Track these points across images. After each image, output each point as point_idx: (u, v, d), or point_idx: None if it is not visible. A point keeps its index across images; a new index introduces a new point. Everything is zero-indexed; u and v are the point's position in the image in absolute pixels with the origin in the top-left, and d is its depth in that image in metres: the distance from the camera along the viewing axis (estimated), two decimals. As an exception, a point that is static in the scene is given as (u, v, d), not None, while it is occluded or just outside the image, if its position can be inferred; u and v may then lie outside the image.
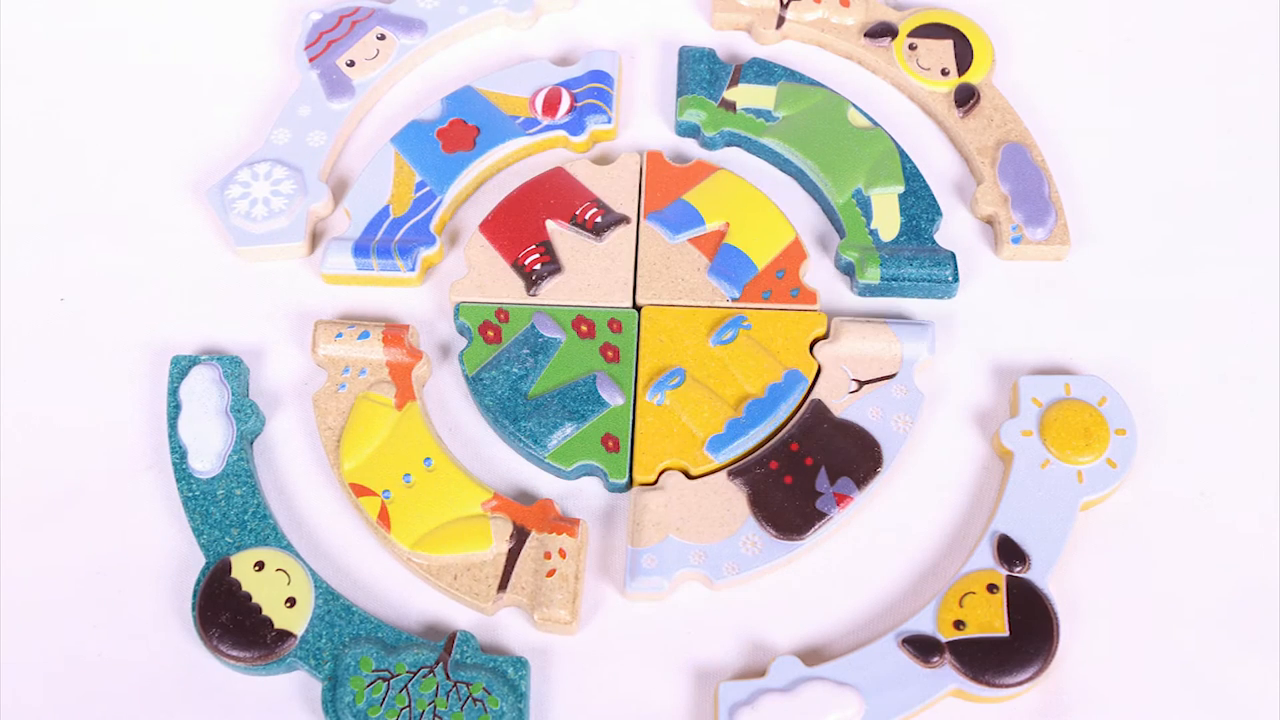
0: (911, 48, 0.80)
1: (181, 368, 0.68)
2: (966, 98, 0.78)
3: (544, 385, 0.70)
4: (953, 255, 0.71)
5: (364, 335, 0.68)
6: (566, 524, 0.64)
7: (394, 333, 0.68)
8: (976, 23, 0.80)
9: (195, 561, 0.65)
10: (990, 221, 0.75)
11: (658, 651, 0.63)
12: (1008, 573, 0.63)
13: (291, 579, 0.64)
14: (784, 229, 0.73)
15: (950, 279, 0.70)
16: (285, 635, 0.63)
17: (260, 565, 0.64)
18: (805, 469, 0.65)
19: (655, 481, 0.68)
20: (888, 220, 0.72)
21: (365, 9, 0.80)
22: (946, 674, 0.62)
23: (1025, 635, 0.62)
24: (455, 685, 0.62)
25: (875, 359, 0.68)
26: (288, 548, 0.64)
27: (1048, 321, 0.71)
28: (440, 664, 0.63)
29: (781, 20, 0.81)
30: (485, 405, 0.69)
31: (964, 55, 0.80)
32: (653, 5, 0.81)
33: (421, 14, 0.80)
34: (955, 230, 0.73)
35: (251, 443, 0.67)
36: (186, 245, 0.73)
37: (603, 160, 0.75)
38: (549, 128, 0.74)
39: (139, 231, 0.74)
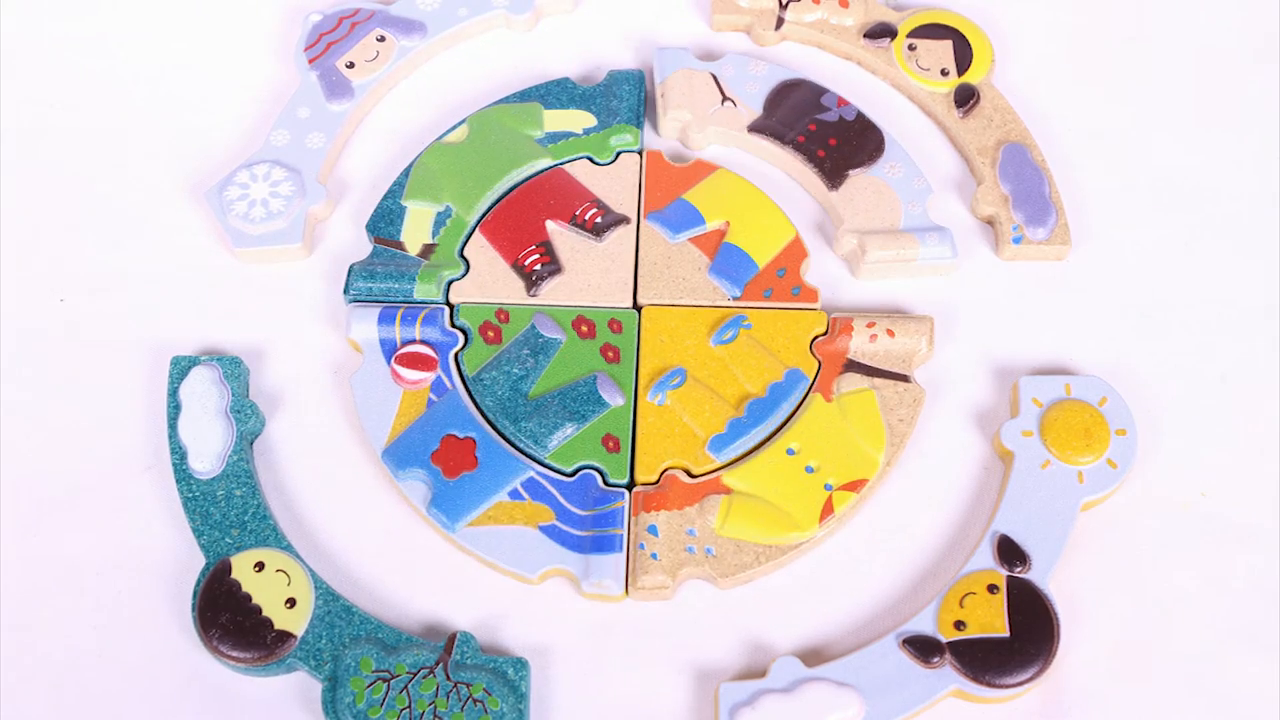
0: (911, 48, 0.80)
1: (181, 368, 0.68)
2: (966, 98, 0.78)
3: (544, 385, 0.70)
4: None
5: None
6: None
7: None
8: (976, 23, 0.80)
9: (195, 562, 0.65)
10: (991, 222, 0.75)
11: (658, 652, 0.63)
12: (1008, 573, 0.64)
13: (291, 580, 0.64)
14: (784, 227, 0.73)
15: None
16: (285, 636, 0.63)
17: (260, 566, 0.64)
18: None
19: (657, 482, 0.68)
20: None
21: (365, 10, 0.80)
22: (947, 674, 0.62)
23: (1026, 636, 0.63)
24: (455, 686, 0.62)
25: None
26: (288, 548, 0.64)
27: (1048, 321, 0.71)
28: (440, 664, 0.63)
29: (780, 21, 0.81)
30: (486, 406, 0.69)
31: (963, 55, 0.80)
32: (652, 7, 0.81)
33: (421, 16, 0.80)
34: (956, 231, 0.73)
35: (251, 443, 0.67)
36: (186, 246, 0.74)
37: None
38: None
39: (139, 232, 0.74)
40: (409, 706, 0.62)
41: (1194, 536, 0.65)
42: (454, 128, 0.75)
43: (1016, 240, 0.73)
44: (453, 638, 0.63)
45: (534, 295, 0.72)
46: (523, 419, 0.69)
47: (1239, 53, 0.80)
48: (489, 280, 0.73)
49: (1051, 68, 0.80)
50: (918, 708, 0.62)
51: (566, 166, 0.75)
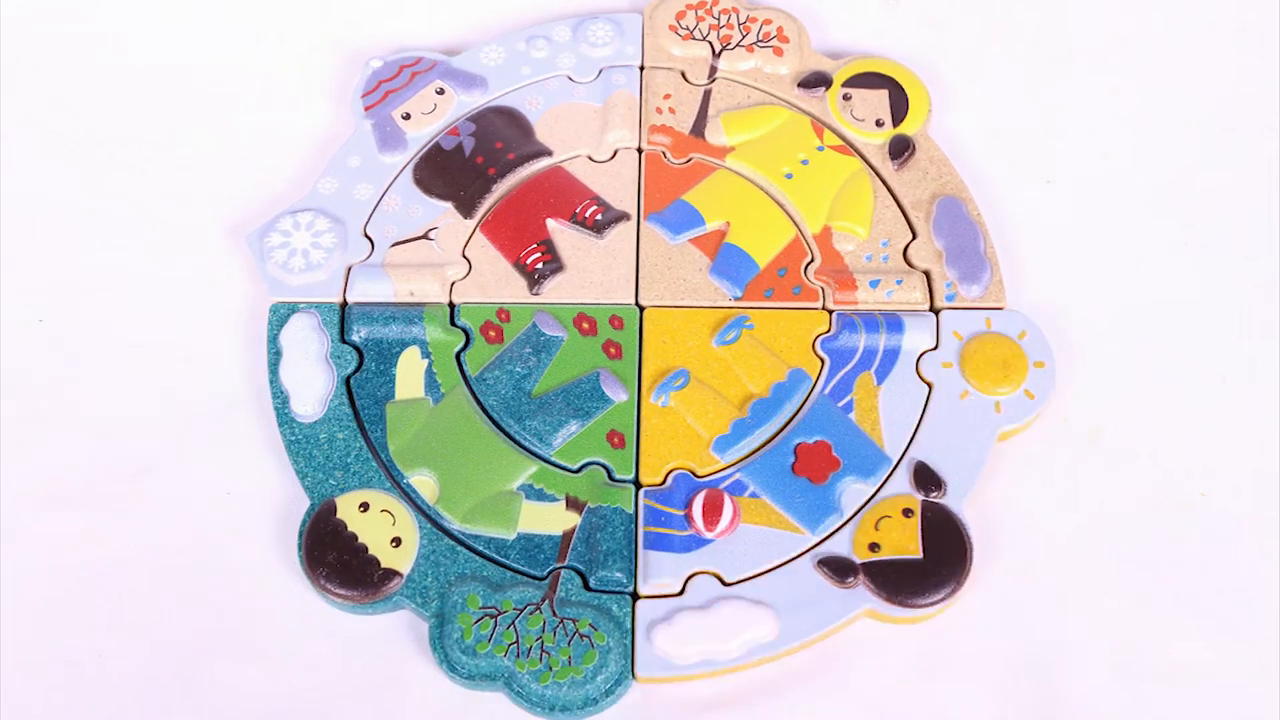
0: (846, 98, 0.78)
1: (280, 315, 0.70)
2: (901, 149, 0.76)
3: (547, 383, 0.70)
4: None
5: None
6: None
7: None
8: (913, 72, 0.79)
9: (300, 503, 0.67)
10: (927, 274, 0.73)
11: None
12: (924, 498, 0.66)
13: (396, 520, 0.66)
14: (784, 227, 0.74)
15: None
16: (392, 574, 0.65)
17: (365, 507, 0.66)
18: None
19: (664, 482, 0.68)
20: None
21: (427, 61, 0.79)
22: (861, 594, 0.64)
23: (939, 558, 0.64)
24: (561, 621, 0.64)
25: None
26: (391, 490, 0.67)
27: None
28: (546, 601, 0.64)
29: (714, 70, 0.80)
30: (489, 405, 0.69)
31: (899, 105, 0.78)
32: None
33: (484, 70, 0.79)
34: None
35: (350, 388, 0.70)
36: (226, 288, 0.74)
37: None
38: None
39: (182, 276, 0.75)
40: (516, 641, 0.63)
41: (1103, 466, 0.69)
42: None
43: (950, 298, 0.72)
44: (556, 575, 0.65)
45: (536, 293, 0.72)
46: (527, 417, 0.69)
47: (1178, 106, 0.80)
48: (491, 280, 0.72)
49: (990, 119, 0.79)
50: (831, 626, 0.64)
51: (565, 164, 0.76)
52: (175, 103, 0.81)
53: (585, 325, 0.72)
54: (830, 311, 0.71)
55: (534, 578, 0.65)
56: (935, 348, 0.69)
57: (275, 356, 0.70)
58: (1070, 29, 0.83)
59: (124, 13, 0.84)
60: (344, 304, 0.71)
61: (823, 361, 0.70)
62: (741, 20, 0.81)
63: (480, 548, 0.66)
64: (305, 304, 0.71)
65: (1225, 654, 0.65)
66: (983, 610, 0.65)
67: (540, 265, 0.73)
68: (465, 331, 0.71)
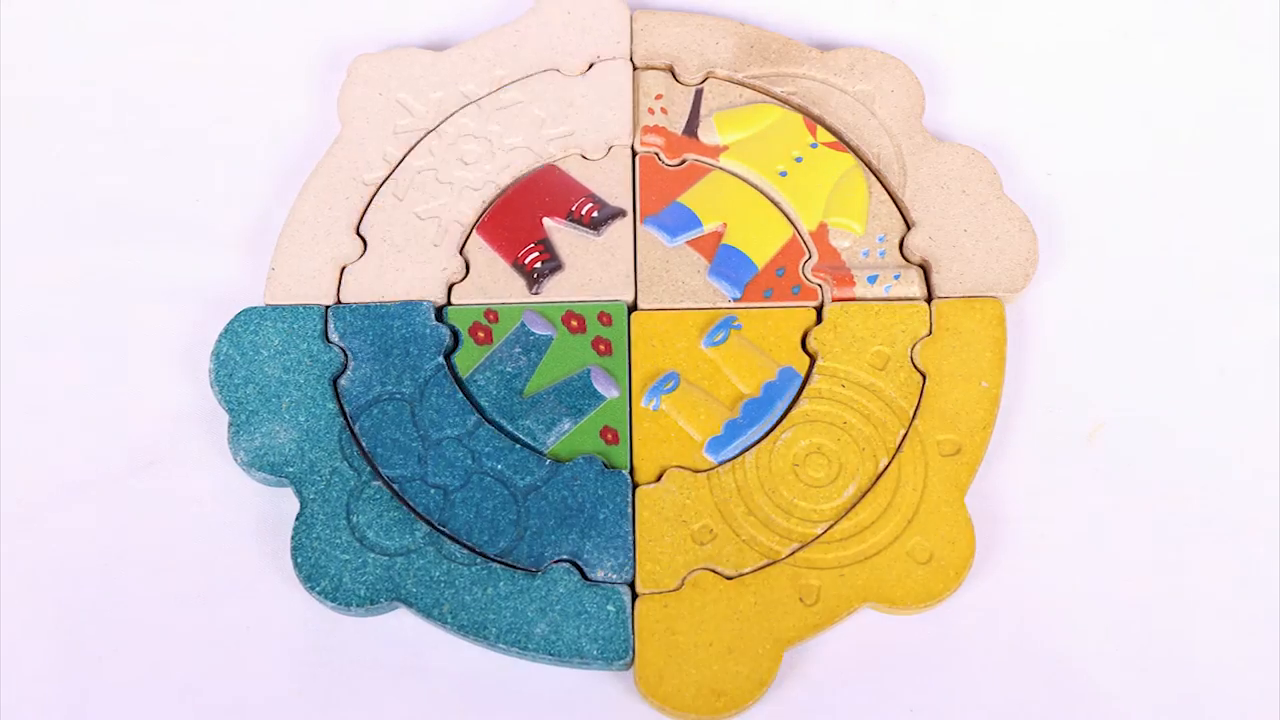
0: None
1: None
2: None
3: (539, 382, 0.70)
4: None
5: None
6: None
7: None
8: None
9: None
10: (924, 266, 0.73)
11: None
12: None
13: None
14: (781, 226, 0.74)
15: None
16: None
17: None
18: None
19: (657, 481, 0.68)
20: None
21: None
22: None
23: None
24: None
25: None
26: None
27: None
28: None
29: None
30: (482, 407, 0.69)
31: None
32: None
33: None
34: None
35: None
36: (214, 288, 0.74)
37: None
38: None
39: (168, 274, 0.75)
40: None
41: (1104, 460, 0.71)
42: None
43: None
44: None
45: (536, 293, 0.71)
46: (520, 417, 0.69)
47: (1181, 99, 0.80)
48: (489, 280, 0.72)
49: (986, 108, 0.79)
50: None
51: (558, 162, 0.75)
52: (152, 100, 0.80)
53: (574, 323, 0.71)
54: (819, 309, 0.72)
55: (529, 570, 0.66)
56: (929, 333, 0.70)
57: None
58: (1067, 21, 0.84)
59: (100, 10, 0.83)
60: (329, 306, 0.72)
61: (812, 358, 0.70)
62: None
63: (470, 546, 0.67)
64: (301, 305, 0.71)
65: (1229, 640, 0.67)
66: (987, 603, 0.67)
67: (539, 265, 0.73)
68: (454, 333, 0.71)
